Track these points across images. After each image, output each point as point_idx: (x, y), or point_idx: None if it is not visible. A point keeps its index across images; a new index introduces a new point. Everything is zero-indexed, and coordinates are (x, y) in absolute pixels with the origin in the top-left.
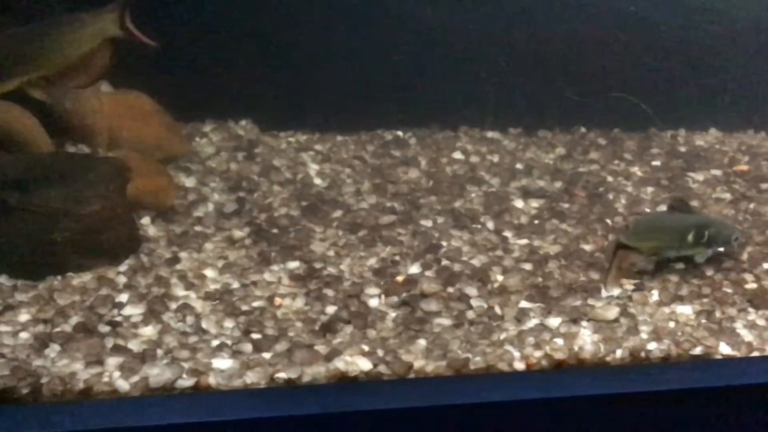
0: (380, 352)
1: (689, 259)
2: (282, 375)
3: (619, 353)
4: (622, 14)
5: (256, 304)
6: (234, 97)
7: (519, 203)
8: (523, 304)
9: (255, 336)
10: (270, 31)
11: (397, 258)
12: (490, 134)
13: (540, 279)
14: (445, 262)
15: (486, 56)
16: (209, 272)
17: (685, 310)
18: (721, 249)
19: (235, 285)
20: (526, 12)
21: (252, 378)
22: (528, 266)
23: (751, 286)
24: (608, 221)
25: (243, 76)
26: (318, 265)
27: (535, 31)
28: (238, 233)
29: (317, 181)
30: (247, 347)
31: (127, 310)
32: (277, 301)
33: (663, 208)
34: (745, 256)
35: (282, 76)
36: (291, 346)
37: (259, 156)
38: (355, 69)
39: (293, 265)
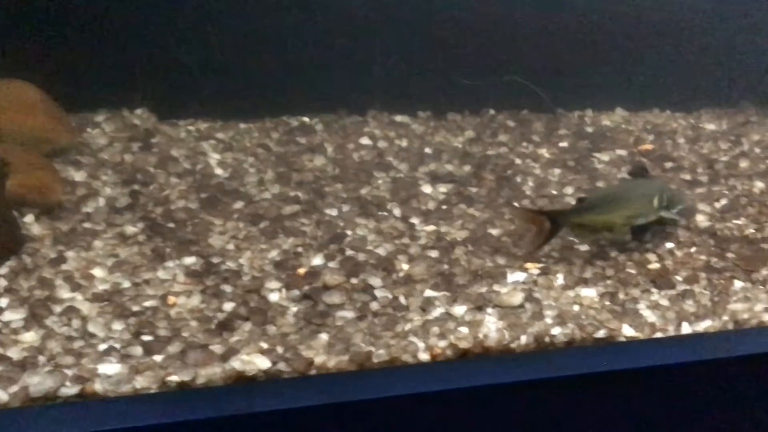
0: (280, 349)
1: (660, 222)
2: (174, 378)
3: (523, 339)
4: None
5: (148, 303)
6: (129, 84)
7: (427, 188)
8: (429, 292)
9: (146, 338)
10: (168, 14)
11: (300, 249)
12: (399, 118)
13: (446, 266)
14: (349, 252)
15: (392, 39)
16: (98, 272)
17: (590, 293)
18: (676, 213)
19: (126, 284)
20: None
21: (142, 383)
22: (434, 253)
23: (655, 266)
24: (516, 204)
25: (139, 61)
26: (216, 260)
27: (445, 14)
28: (130, 229)
29: (218, 171)
30: (137, 350)
31: (7, 316)
32: (171, 299)
33: (570, 189)
34: (648, 236)
35: (182, 61)
36: (185, 347)
37: (156, 146)
38: (260, 53)
39: (189, 260)
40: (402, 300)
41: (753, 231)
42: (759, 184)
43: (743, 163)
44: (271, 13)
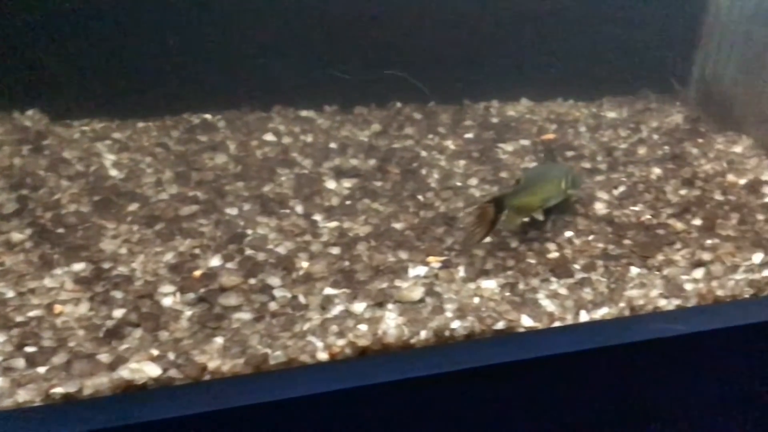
0: (171, 356)
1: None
2: (59, 390)
3: (423, 334)
4: None
5: (32, 313)
6: (19, 84)
7: (331, 184)
8: (329, 290)
9: (29, 349)
10: (62, 11)
11: (197, 251)
12: (304, 113)
13: (347, 263)
14: (248, 252)
15: (297, 33)
16: None
17: (490, 285)
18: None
19: (10, 294)
20: None
21: (24, 396)
22: (336, 250)
23: (554, 255)
24: (420, 197)
25: (29, 60)
26: (107, 266)
27: (348, 8)
28: (17, 236)
29: (113, 172)
30: (20, 363)
31: None
32: (57, 308)
33: (474, 180)
34: (548, 226)
35: (75, 59)
36: (70, 357)
37: (48, 148)
38: (158, 49)
39: (78, 267)
40: (301, 299)
41: (649, 217)
42: (656, 170)
43: (641, 150)
44: (172, 7)
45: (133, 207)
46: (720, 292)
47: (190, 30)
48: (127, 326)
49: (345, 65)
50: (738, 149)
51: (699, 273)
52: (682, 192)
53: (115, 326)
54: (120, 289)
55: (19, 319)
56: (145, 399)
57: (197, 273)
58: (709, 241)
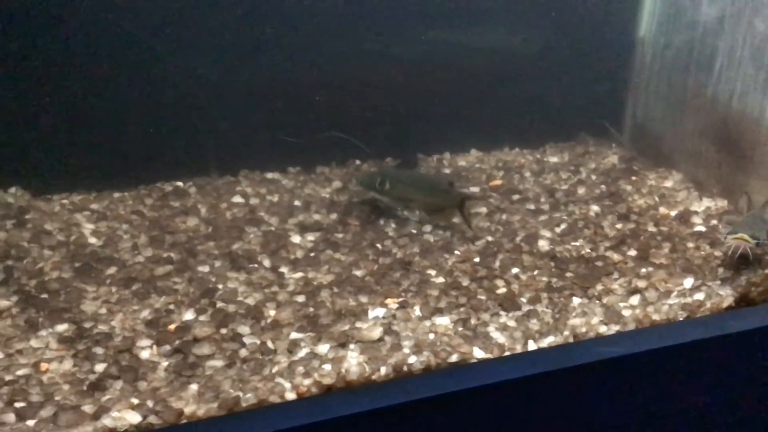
0: (150, 403)
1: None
2: None
3: (383, 370)
4: (382, 55)
5: (20, 372)
6: (1, 164)
7: (296, 238)
8: (295, 335)
9: (19, 405)
10: (37, 93)
11: (172, 307)
12: (270, 175)
13: (312, 309)
14: (220, 305)
15: (259, 102)
16: None
17: (444, 321)
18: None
19: None
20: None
21: None
22: (301, 298)
23: (502, 290)
24: (378, 246)
25: (8, 141)
26: (88, 325)
27: (303, 76)
28: (4, 302)
29: (92, 240)
30: (10, 417)
31: None
32: (44, 366)
33: (429, 227)
34: (497, 264)
35: (51, 137)
36: (57, 409)
37: (30, 222)
38: (131, 125)
39: (62, 327)
40: (269, 344)
41: (589, 251)
42: (594, 208)
43: (581, 190)
44: (140, 85)
45: (111, 270)
46: (656, 317)
47: (161, 105)
48: (108, 379)
49: (303, 129)
50: (669, 184)
51: (635, 300)
52: (618, 226)
53: (98, 379)
54: (101, 345)
55: (8, 377)
56: None
57: (172, 327)
58: (643, 270)
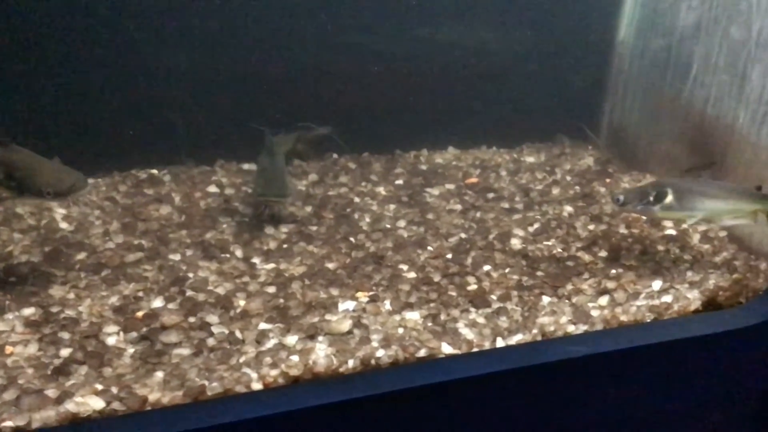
0: (114, 389)
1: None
2: (9, 423)
3: (351, 363)
4: (362, 49)
5: None
6: None
7: (270, 230)
8: (263, 325)
9: None
10: (11, 80)
11: (141, 294)
12: (246, 166)
13: (282, 300)
14: (189, 293)
15: (239, 92)
16: None
17: (414, 316)
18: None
19: None
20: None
21: None
22: (272, 289)
23: (473, 287)
24: (352, 239)
25: None
26: (55, 309)
27: (282, 68)
28: None
29: (63, 225)
30: None
31: None
32: (8, 349)
33: (403, 222)
34: (469, 261)
35: (26, 123)
36: (20, 393)
37: (2, 205)
38: (107, 112)
39: (28, 311)
40: (238, 334)
41: (560, 251)
42: (568, 208)
43: (555, 191)
44: (114, 71)
45: (81, 256)
46: (624, 318)
47: (137, 93)
48: (73, 364)
49: (282, 121)
50: None
51: (604, 300)
52: (591, 227)
53: (62, 364)
54: (67, 330)
55: None
56: (90, 429)
57: (140, 314)
58: (613, 271)
